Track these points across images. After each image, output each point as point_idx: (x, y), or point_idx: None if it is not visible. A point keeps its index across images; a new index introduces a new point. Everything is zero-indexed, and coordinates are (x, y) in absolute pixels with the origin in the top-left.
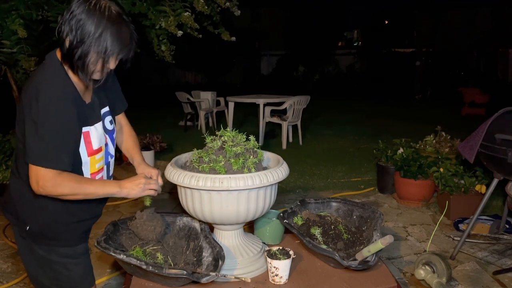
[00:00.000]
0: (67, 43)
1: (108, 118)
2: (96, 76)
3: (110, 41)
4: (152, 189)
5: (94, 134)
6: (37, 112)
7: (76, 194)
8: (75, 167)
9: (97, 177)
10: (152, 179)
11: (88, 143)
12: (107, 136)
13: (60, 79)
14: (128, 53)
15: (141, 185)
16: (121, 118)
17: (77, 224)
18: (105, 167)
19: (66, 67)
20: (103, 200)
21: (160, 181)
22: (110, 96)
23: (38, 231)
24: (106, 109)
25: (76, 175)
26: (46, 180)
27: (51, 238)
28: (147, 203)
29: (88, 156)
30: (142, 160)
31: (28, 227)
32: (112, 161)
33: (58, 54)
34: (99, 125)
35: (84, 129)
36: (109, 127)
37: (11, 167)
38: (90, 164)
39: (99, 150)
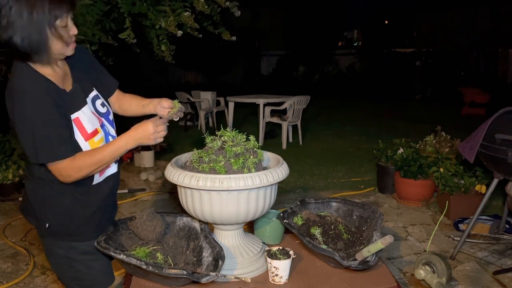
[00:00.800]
0: (13, 37)
1: (99, 101)
2: (63, 48)
3: (47, 7)
4: (161, 131)
5: (84, 118)
6: (16, 113)
7: (98, 168)
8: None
9: None
10: (159, 122)
11: (82, 128)
12: (102, 118)
13: (28, 75)
14: (72, 8)
15: (151, 136)
16: (119, 93)
17: (92, 215)
18: None
19: (31, 63)
20: (115, 189)
21: (179, 105)
22: (95, 80)
23: (57, 228)
24: (94, 93)
25: (88, 151)
26: (67, 169)
27: (70, 234)
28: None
29: (86, 140)
30: (154, 98)
31: (47, 225)
32: None
33: None
34: (85, 108)
35: (73, 116)
36: (102, 110)
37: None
38: (90, 148)
39: (95, 132)
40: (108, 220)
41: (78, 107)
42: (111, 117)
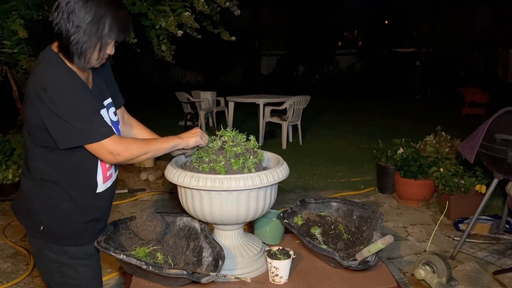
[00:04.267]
0: (64, 31)
1: (112, 110)
2: (94, 63)
3: (108, 25)
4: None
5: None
6: (50, 100)
7: (146, 152)
8: (88, 154)
9: (107, 165)
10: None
11: None
12: (112, 127)
13: (60, 66)
14: (125, 36)
15: (198, 133)
16: (124, 112)
17: (90, 222)
18: None
19: (63, 58)
20: (113, 196)
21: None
22: (111, 90)
23: (52, 231)
24: (109, 100)
25: (135, 138)
26: (116, 146)
27: (63, 238)
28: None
29: None
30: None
31: (42, 227)
32: None
33: (54, 47)
34: (103, 111)
35: None
36: (114, 118)
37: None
38: None
39: None
40: (104, 228)
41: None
42: (119, 126)
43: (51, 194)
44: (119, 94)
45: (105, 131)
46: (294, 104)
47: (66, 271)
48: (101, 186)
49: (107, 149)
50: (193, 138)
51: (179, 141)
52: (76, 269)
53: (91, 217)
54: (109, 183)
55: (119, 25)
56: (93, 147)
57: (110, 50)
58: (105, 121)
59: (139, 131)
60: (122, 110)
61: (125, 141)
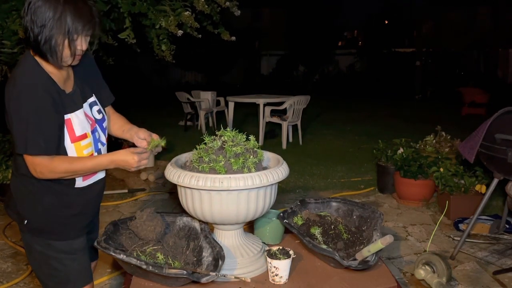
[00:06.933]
0: (31, 33)
1: (96, 108)
2: (69, 60)
3: (70, 20)
4: (143, 164)
5: (76, 121)
6: (13, 103)
7: (72, 175)
8: (61, 154)
9: None
10: (144, 155)
11: (71, 130)
12: (96, 124)
13: (32, 69)
14: (93, 29)
15: (133, 165)
16: (108, 109)
17: (73, 217)
18: (95, 154)
19: (38, 59)
20: (100, 194)
21: (155, 136)
22: (95, 89)
23: (36, 225)
24: (93, 98)
25: (69, 158)
26: (42, 166)
27: (48, 232)
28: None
29: (72, 142)
30: (134, 126)
31: (26, 221)
32: (103, 148)
33: (32, 50)
34: (79, 112)
35: (66, 116)
36: (98, 116)
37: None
38: (75, 150)
39: (84, 136)
40: (89, 224)
41: (72, 109)
42: (104, 124)
43: (33, 189)
44: (106, 94)
45: (38, 147)
46: (294, 104)
47: (53, 264)
48: (80, 182)
49: (32, 164)
50: (127, 168)
51: (111, 166)
52: (63, 263)
53: (75, 212)
54: (91, 181)
55: (82, 19)
56: (25, 158)
57: (81, 45)
58: (48, 138)
59: (114, 120)
60: (109, 109)
61: (53, 161)
